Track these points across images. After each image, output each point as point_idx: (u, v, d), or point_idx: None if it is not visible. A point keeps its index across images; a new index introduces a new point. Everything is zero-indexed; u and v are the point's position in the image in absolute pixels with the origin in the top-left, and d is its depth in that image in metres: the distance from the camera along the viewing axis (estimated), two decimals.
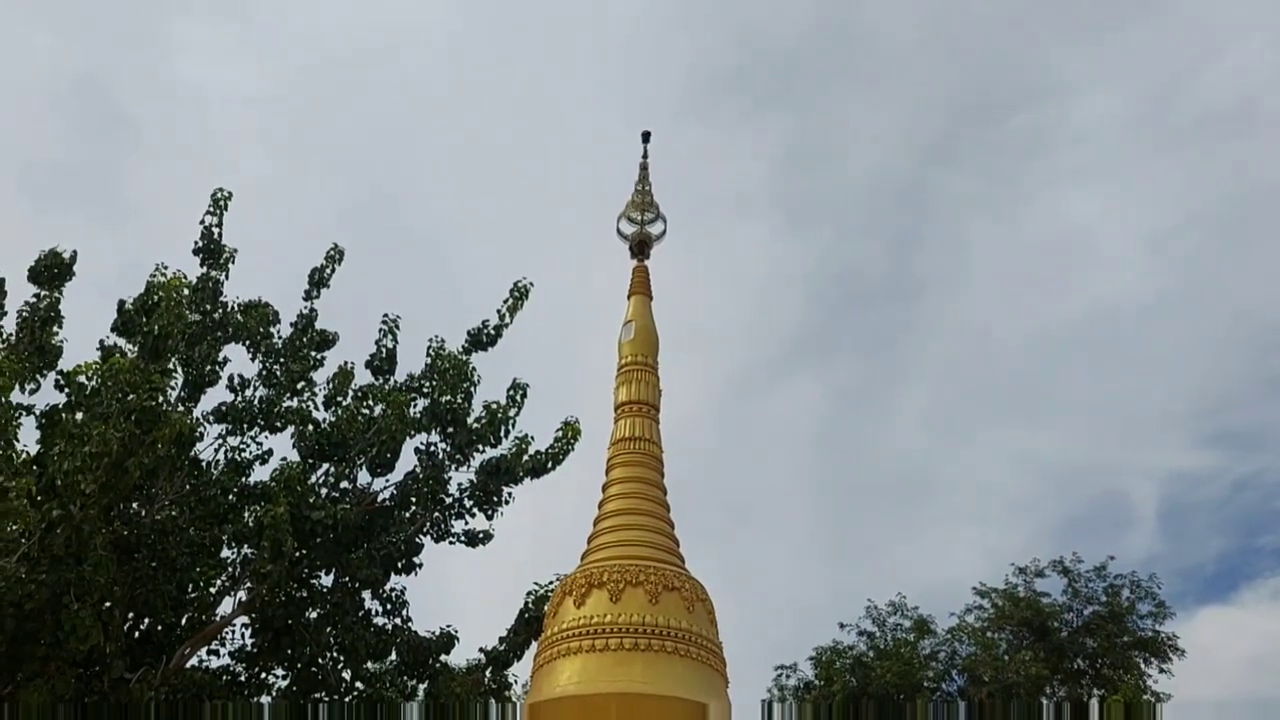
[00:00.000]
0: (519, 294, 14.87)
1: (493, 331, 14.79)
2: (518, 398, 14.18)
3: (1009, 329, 45.15)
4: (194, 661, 11.93)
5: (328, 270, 14.68)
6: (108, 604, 10.13)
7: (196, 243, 13.76)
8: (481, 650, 14.97)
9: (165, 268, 12.61)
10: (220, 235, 13.89)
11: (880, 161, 45.60)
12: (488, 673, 14.54)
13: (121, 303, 12.77)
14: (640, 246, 12.06)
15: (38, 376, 11.28)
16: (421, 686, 15.25)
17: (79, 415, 10.25)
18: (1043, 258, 44.26)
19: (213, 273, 13.70)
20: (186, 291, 12.64)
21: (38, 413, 11.60)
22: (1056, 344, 44.18)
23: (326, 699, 12.42)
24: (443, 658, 13.82)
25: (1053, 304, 44.36)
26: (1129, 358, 44.69)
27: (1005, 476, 45.37)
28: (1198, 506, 45.39)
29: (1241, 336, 43.03)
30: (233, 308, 13.80)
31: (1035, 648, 21.20)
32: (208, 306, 13.49)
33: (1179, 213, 44.18)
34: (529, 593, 15.27)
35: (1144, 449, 44.91)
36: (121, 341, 12.60)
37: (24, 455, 10.68)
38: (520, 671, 16.60)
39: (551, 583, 13.24)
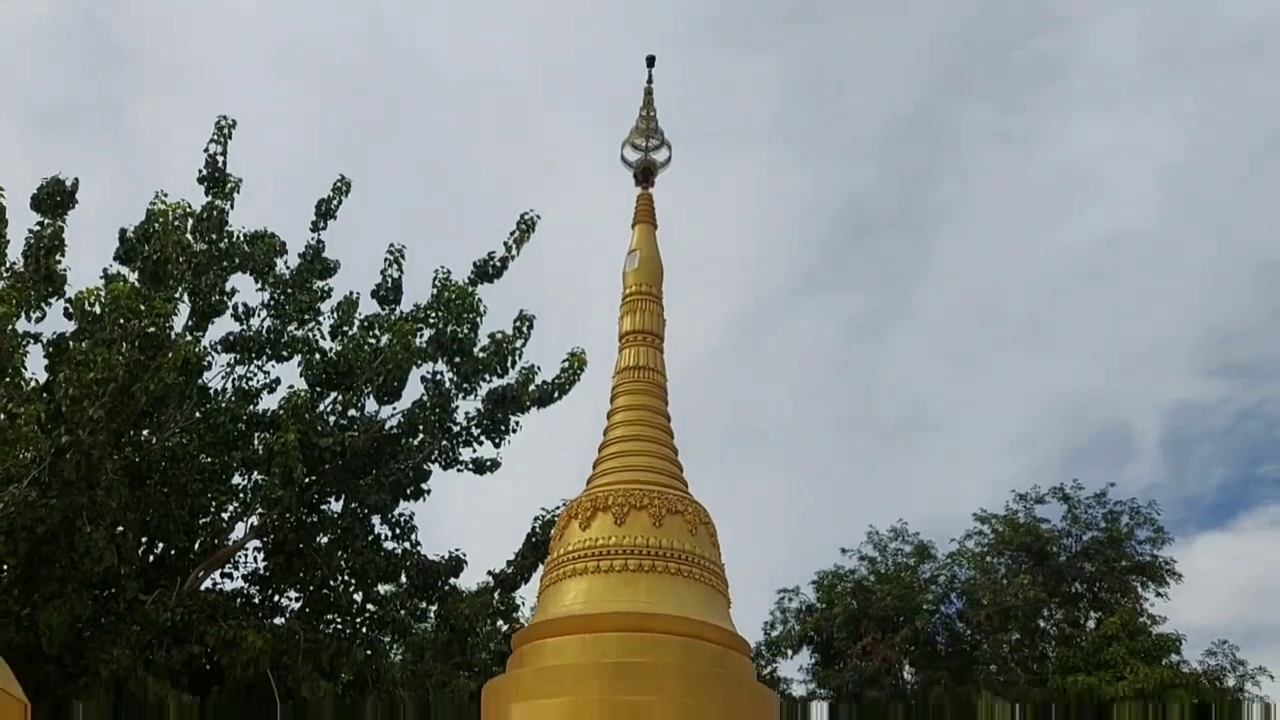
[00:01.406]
0: (525, 226, 14.82)
1: (499, 263, 14.79)
2: (524, 329, 14.26)
3: (1017, 260, 44.95)
4: (208, 584, 12.18)
5: (335, 201, 14.63)
6: (121, 528, 10.31)
7: (201, 171, 13.70)
8: (490, 573, 15.30)
9: (165, 195, 12.59)
10: (225, 164, 13.82)
11: (891, 91, 44.91)
12: (496, 595, 14.86)
13: (123, 231, 12.77)
14: (644, 174, 11.93)
15: (43, 305, 11.33)
16: (431, 608, 15.62)
17: (84, 343, 10.32)
18: (1052, 188, 43.82)
19: (218, 202, 13.66)
20: (190, 221, 12.63)
21: (45, 341, 11.71)
22: (1064, 275, 44.01)
23: (338, 620, 12.70)
24: (451, 581, 14.09)
25: (1062, 235, 44.04)
26: (1136, 289, 44.52)
27: (1010, 407, 45.58)
28: (1200, 436, 45.61)
29: (1250, 268, 42.84)
30: (239, 238, 13.79)
31: (1034, 572, 21.52)
32: (213, 236, 13.47)
33: (1191, 143, 43.62)
34: (536, 518, 15.56)
35: (1148, 380, 44.99)
36: (124, 270, 12.63)
37: (32, 383, 10.79)
38: (528, 594, 16.94)
39: (558, 508, 13.42)
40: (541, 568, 10.54)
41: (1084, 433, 44.25)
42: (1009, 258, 45.10)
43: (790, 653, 23.27)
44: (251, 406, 13.43)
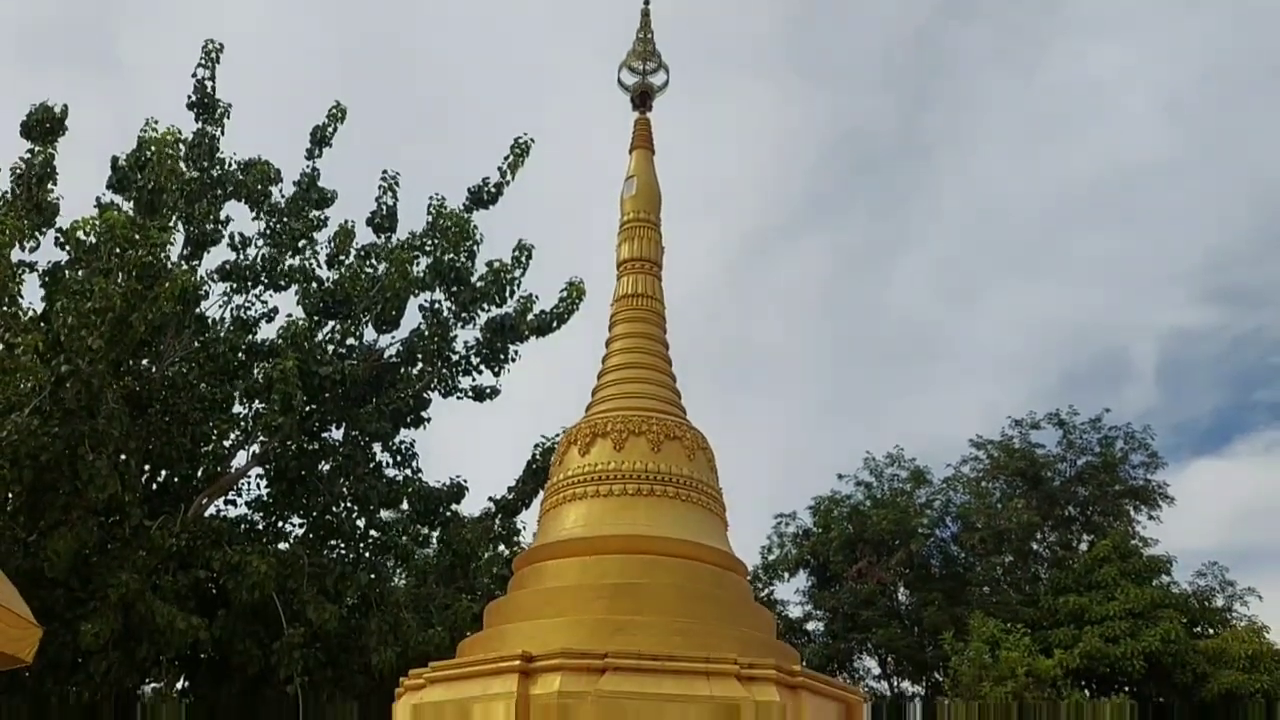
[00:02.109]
0: (520, 150, 14.67)
1: (494, 189, 14.68)
2: (522, 259, 14.21)
3: (1018, 187, 44.54)
4: (211, 511, 12.33)
5: (330, 129, 14.46)
6: (123, 456, 10.40)
7: (189, 97, 13.51)
8: (491, 499, 15.51)
9: (155, 122, 12.43)
10: (214, 89, 13.61)
11: (890, 14, 44.00)
12: (497, 520, 15.07)
13: (115, 159, 12.64)
14: (642, 98, 11.77)
15: (37, 234, 11.27)
16: (433, 534, 15.85)
17: (80, 272, 10.29)
18: (1056, 115, 43.24)
19: (208, 128, 13.49)
20: (182, 149, 12.49)
21: (40, 271, 11.66)
22: (1066, 202, 43.64)
23: (341, 545, 12.88)
24: (453, 507, 14.26)
25: (1064, 162, 43.58)
26: (1138, 216, 44.20)
27: (1008, 335, 45.61)
28: (1196, 363, 45.75)
29: (1253, 195, 42.42)
30: (231, 165, 13.66)
31: (1028, 496, 21.74)
32: (205, 163, 13.33)
33: (1197, 70, 42.94)
34: (536, 445, 15.72)
35: (1147, 306, 44.96)
36: (118, 199, 12.53)
37: (29, 313, 10.78)
38: (528, 519, 17.16)
39: (557, 436, 13.54)
40: (542, 493, 10.67)
41: (1081, 360, 44.40)
42: (1009, 185, 44.72)
43: (787, 575, 23.64)
44: (250, 336, 13.44)
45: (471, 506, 15.11)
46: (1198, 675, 17.34)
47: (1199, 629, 19.34)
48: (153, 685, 10.92)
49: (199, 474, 12.30)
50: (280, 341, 12.61)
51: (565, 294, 14.43)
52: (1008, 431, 23.23)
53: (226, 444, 12.74)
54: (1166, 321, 45.36)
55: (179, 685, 11.34)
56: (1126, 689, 17.63)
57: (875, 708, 12.55)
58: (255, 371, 12.88)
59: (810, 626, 23.10)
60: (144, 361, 11.89)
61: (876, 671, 22.95)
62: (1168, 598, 18.70)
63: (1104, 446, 22.40)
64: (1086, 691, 17.15)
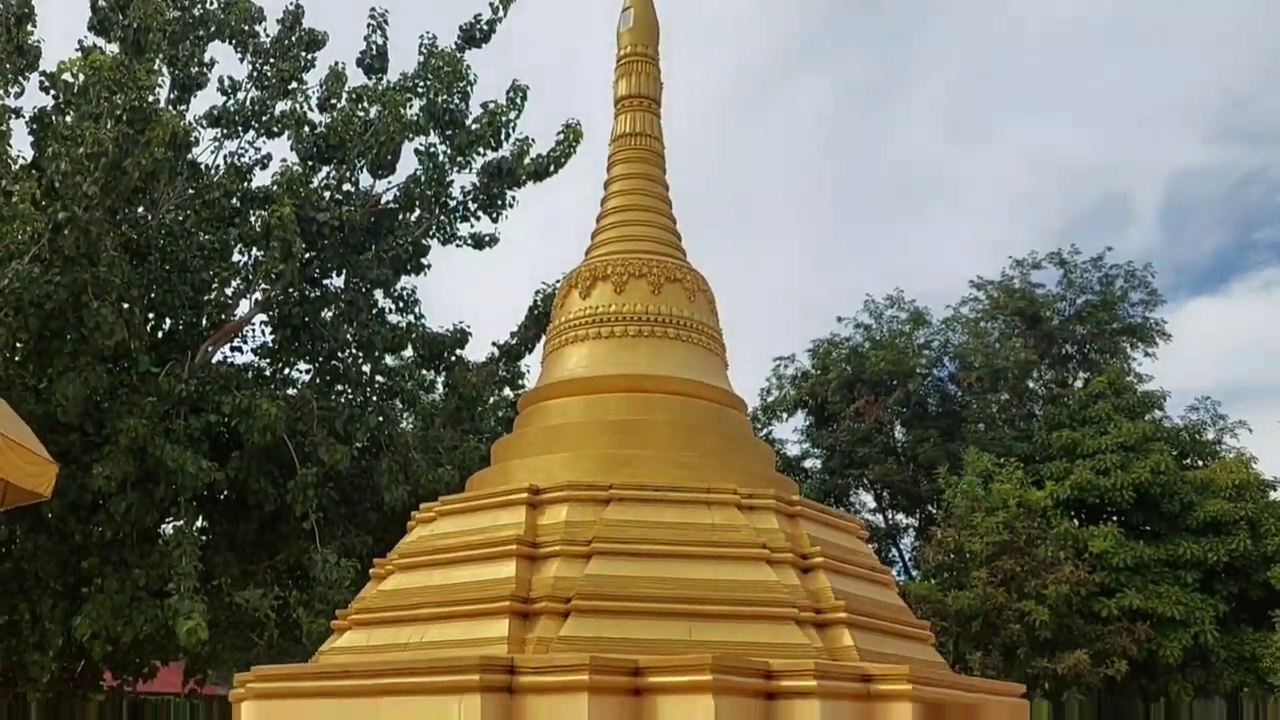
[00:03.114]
0: None
1: (485, 27, 14.23)
2: (517, 100, 13.92)
3: (1025, 20, 43.02)
4: (218, 358, 12.49)
5: None
6: (127, 304, 10.46)
7: None
8: (494, 345, 15.69)
9: None
10: None
11: None
12: (501, 364, 15.28)
13: (94, 0, 12.21)
14: None
15: (20, 79, 10.99)
16: (439, 379, 16.10)
17: (68, 117, 10.10)
18: None
19: None
20: None
21: (27, 117, 11.43)
22: (1079, 35, 42.29)
23: (348, 390, 13.10)
24: (457, 352, 14.43)
25: None
26: (1153, 49, 42.97)
27: (1012, 174, 45.04)
28: (1200, 203, 45.36)
29: (1267, 28, 41.01)
30: (213, 4, 13.19)
31: (1026, 335, 21.92)
32: (186, 2, 12.89)
33: None
34: (537, 291, 15.78)
35: (1154, 144, 44.23)
36: (100, 41, 12.18)
37: (19, 160, 10.63)
38: (532, 363, 17.38)
39: (558, 282, 13.57)
40: (544, 338, 10.79)
41: (1085, 200, 44.02)
42: (1016, 17, 43.21)
43: (785, 416, 24.08)
44: (244, 183, 13.32)
45: (476, 353, 15.30)
46: (1185, 504, 17.90)
47: (1188, 461, 19.84)
48: (172, 524, 11.34)
49: (203, 322, 12.41)
50: (276, 188, 12.49)
51: (562, 137, 14.19)
52: (1008, 272, 23.25)
53: (229, 292, 12.81)
54: (1172, 160, 44.75)
55: (198, 524, 11.76)
56: (1115, 518, 18.23)
57: (870, 538, 13.03)
58: (252, 219, 12.82)
59: (807, 464, 23.71)
60: (140, 209, 11.81)
61: (872, 506, 23.72)
62: (1159, 431, 19.10)
63: (1104, 285, 22.43)
64: (1075, 521, 17.73)
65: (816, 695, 5.94)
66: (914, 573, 21.66)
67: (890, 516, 23.87)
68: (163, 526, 11.74)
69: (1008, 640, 15.35)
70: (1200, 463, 19.77)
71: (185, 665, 12.79)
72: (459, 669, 6.02)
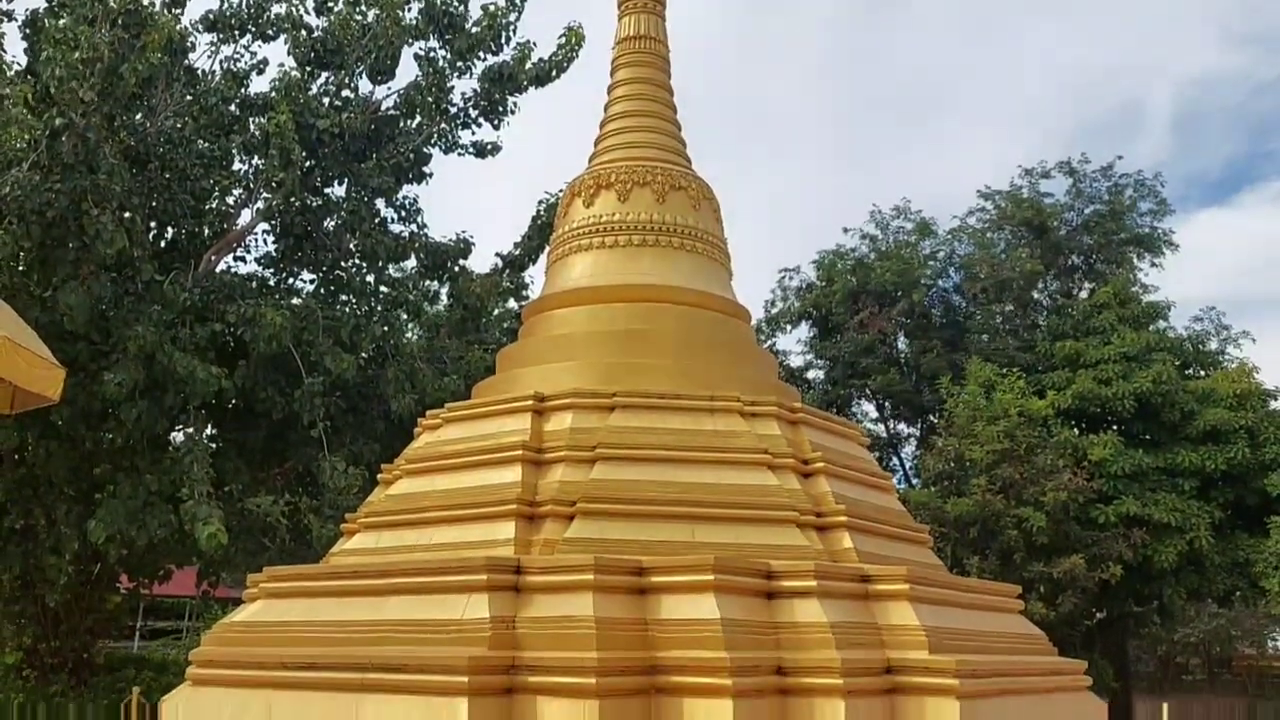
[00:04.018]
0: None
1: None
2: (517, 1, 13.64)
3: None
4: (222, 267, 12.48)
5: None
6: (128, 213, 10.41)
7: None
8: (498, 255, 15.66)
9: None
10: None
11: None
12: (505, 275, 15.26)
13: None
14: None
15: None
16: (443, 289, 16.10)
17: (62, 20, 9.90)
18: None
19: None
20: None
21: (20, 21, 11.22)
22: None
23: (353, 300, 13.12)
24: (461, 262, 14.39)
25: None
26: None
27: (1022, 83, 44.14)
28: (1213, 112, 44.56)
29: None
30: None
31: (1033, 246, 21.78)
32: None
33: None
34: (540, 201, 15.68)
35: (1166, 52, 43.21)
36: None
37: (14, 66, 10.46)
38: (536, 274, 17.35)
39: (562, 190, 13.48)
40: (548, 247, 10.75)
41: (1095, 108, 43.23)
42: None
43: (789, 327, 24.09)
44: (242, 89, 13.13)
45: (479, 264, 15.27)
46: (1185, 413, 18.01)
47: (1190, 371, 19.91)
48: (182, 431, 11.48)
49: (205, 231, 12.37)
50: (273, 94, 12.32)
51: (564, 40, 13.93)
52: (1016, 182, 22.99)
53: (230, 201, 12.74)
54: (1186, 68, 43.78)
55: (208, 431, 11.90)
56: (1115, 428, 18.37)
57: (871, 447, 13.15)
58: (251, 126, 12.67)
59: (810, 375, 23.80)
60: (138, 116, 11.66)
61: (874, 416, 23.89)
62: (1163, 341, 19.12)
63: (1113, 195, 22.21)
64: (1076, 430, 17.88)
65: (816, 595, 6.09)
66: (914, 481, 21.94)
67: (892, 426, 24.07)
68: (173, 434, 11.89)
69: (1005, 546, 15.61)
70: (1202, 373, 19.83)
71: (199, 569, 13.09)
72: (467, 569, 6.16)
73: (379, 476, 8.45)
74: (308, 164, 12.25)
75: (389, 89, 13.51)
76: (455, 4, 13.47)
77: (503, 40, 13.67)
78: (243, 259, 13.18)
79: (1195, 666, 31.54)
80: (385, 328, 12.77)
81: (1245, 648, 30.51)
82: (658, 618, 5.94)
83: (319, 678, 6.20)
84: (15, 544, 11.16)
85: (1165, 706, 10.81)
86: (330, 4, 13.38)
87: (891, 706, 5.83)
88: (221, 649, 7.07)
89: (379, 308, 13.09)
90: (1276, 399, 18.71)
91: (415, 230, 13.80)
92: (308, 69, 13.04)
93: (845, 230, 24.00)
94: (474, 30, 13.52)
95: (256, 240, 13.11)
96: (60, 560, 11.17)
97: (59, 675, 11.62)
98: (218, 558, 12.22)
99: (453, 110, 14.05)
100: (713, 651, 5.60)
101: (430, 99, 13.59)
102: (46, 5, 10.39)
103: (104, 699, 11.63)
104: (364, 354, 12.78)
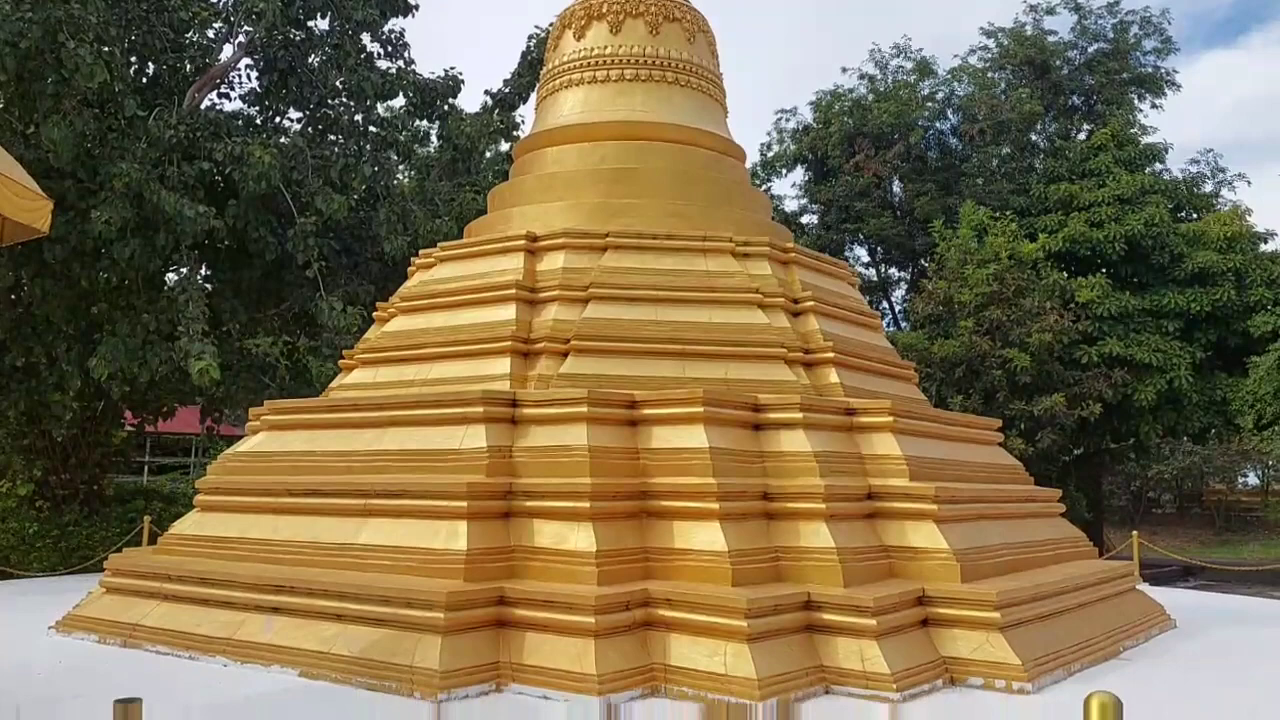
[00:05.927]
0: None
1: None
2: None
3: None
4: (207, 104, 12.20)
5: None
6: (106, 46, 10.09)
7: None
8: (487, 93, 15.28)
9: None
10: None
11: None
12: (495, 114, 14.97)
13: None
14: None
15: None
16: (433, 129, 15.79)
17: None
18: None
19: None
20: None
21: None
22: None
23: (342, 139, 12.89)
24: (451, 101, 14.07)
25: None
26: None
27: None
28: None
29: None
30: None
31: (1034, 85, 21.34)
32: None
33: None
34: (530, 36, 15.21)
35: None
36: None
37: None
38: (527, 114, 17.01)
39: (553, 23, 13.07)
40: (538, 82, 10.51)
41: None
42: None
43: (785, 171, 23.84)
44: None
45: (470, 104, 14.94)
46: (1174, 256, 18.11)
47: (1183, 214, 19.88)
48: (177, 271, 11.47)
49: (187, 66, 12.01)
50: None
51: None
52: (1021, 18, 22.34)
53: (210, 35, 12.32)
54: None
55: (202, 271, 11.90)
56: (1104, 271, 18.49)
57: (862, 291, 13.25)
58: None
59: (805, 220, 23.70)
60: None
61: (866, 260, 23.94)
62: (1158, 184, 19.02)
63: (1118, 33, 21.63)
64: (1065, 273, 17.99)
65: (801, 426, 6.31)
66: (903, 324, 22.19)
67: (883, 270, 24.16)
68: (168, 275, 11.90)
69: (988, 385, 15.96)
70: (1195, 215, 19.82)
71: (201, 406, 13.33)
72: (464, 402, 6.36)
73: (374, 314, 8.55)
74: None
75: None
76: None
77: None
78: (227, 96, 12.86)
79: (1166, 501, 32.76)
80: (375, 168, 12.60)
81: (1216, 484, 31.63)
82: (649, 447, 6.18)
83: (322, 503, 6.47)
84: (18, 381, 11.34)
85: (1135, 535, 11.30)
86: None
87: (873, 529, 6.14)
88: (227, 477, 7.34)
89: (368, 148, 12.88)
90: (1267, 241, 18.78)
91: (403, 66, 13.43)
92: None
93: (844, 69, 23.49)
94: None
95: (241, 77, 12.77)
96: (64, 397, 11.37)
97: (70, 506, 12.02)
98: (218, 395, 12.44)
99: None
100: (701, 478, 5.86)
101: None
102: None
103: (115, 528, 12.08)
104: (355, 195, 12.66)
